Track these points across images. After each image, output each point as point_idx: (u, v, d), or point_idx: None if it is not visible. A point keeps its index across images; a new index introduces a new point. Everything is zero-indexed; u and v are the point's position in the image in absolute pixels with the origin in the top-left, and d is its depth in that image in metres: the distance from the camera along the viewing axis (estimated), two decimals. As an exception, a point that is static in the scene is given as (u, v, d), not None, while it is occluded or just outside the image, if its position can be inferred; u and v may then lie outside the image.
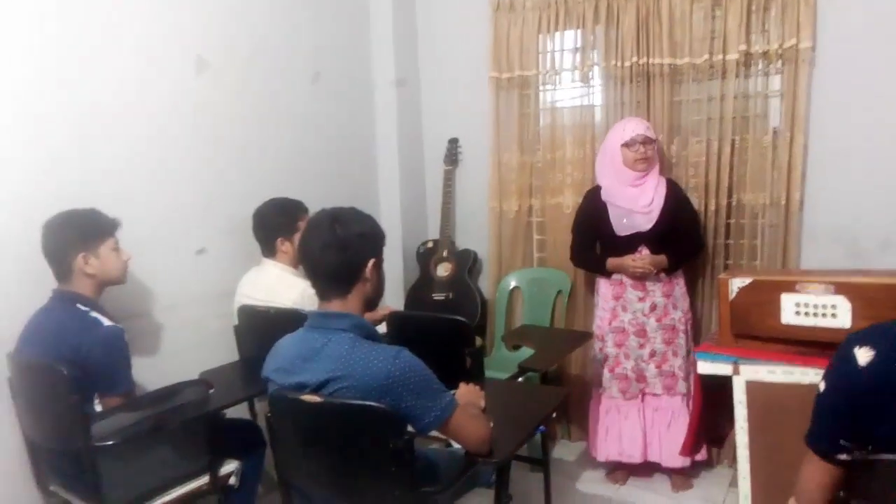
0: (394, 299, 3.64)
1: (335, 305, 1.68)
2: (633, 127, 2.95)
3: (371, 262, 1.69)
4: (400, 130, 3.73)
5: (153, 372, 2.35)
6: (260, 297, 2.59)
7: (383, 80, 3.70)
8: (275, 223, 2.67)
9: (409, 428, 1.60)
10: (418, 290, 3.66)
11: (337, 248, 1.64)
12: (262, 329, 2.45)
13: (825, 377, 1.34)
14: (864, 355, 1.24)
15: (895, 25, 2.75)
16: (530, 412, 2.05)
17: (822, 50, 2.88)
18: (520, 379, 2.58)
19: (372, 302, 1.75)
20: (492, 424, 1.75)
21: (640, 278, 2.96)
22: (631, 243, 2.98)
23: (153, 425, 1.93)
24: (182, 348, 2.64)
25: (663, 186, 2.97)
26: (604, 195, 3.04)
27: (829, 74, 2.88)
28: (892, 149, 2.80)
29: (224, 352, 2.64)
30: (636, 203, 2.94)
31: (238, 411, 2.48)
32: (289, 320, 2.26)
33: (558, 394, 2.24)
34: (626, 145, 2.94)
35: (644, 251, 2.96)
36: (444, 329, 2.34)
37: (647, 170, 2.95)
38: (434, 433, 1.68)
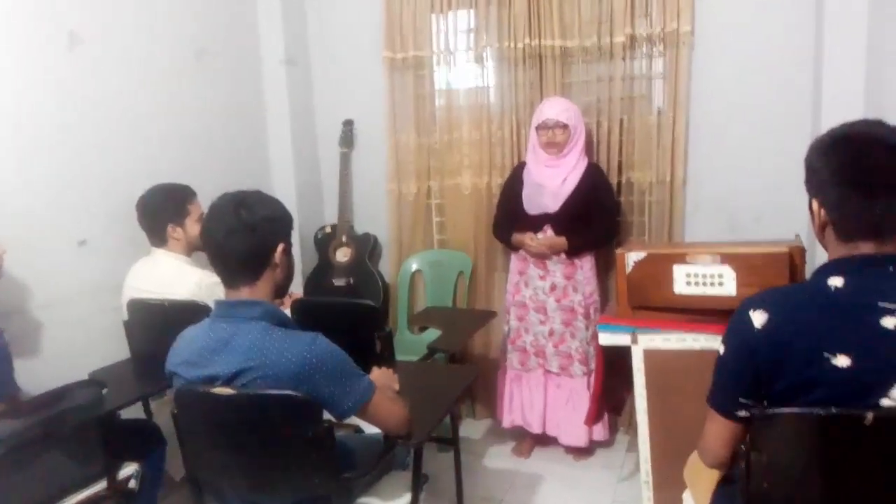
0: (292, 287, 3.53)
1: (244, 293, 1.61)
2: (548, 110, 2.98)
3: (280, 247, 1.63)
4: (292, 111, 3.62)
5: (38, 374, 2.17)
6: (152, 289, 2.45)
7: (272, 58, 3.58)
8: (162, 209, 2.52)
9: (327, 415, 1.57)
10: (318, 277, 3.59)
11: (243, 233, 1.57)
12: (156, 323, 2.32)
13: (724, 340, 1.42)
14: (758, 318, 1.33)
15: (766, 11, 2.95)
16: (443, 392, 2.07)
17: (701, 34, 3.05)
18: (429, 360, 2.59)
19: (282, 288, 1.70)
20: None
21: (540, 257, 3.03)
22: (538, 222, 3.04)
23: (42, 431, 1.78)
24: (68, 347, 2.45)
25: (581, 169, 3.02)
26: (524, 173, 3.09)
27: (707, 57, 3.05)
28: (763, 128, 3.02)
29: (114, 349, 2.48)
30: (547, 183, 2.99)
31: (133, 411, 2.34)
32: (186, 313, 2.16)
33: (469, 372, 2.26)
34: (538, 128, 2.99)
35: (548, 232, 3.03)
36: (352, 314, 2.31)
37: (557, 154, 2.99)
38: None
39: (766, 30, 2.97)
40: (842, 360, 1.22)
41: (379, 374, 1.95)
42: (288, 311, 2.36)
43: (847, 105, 2.63)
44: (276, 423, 1.52)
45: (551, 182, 3.00)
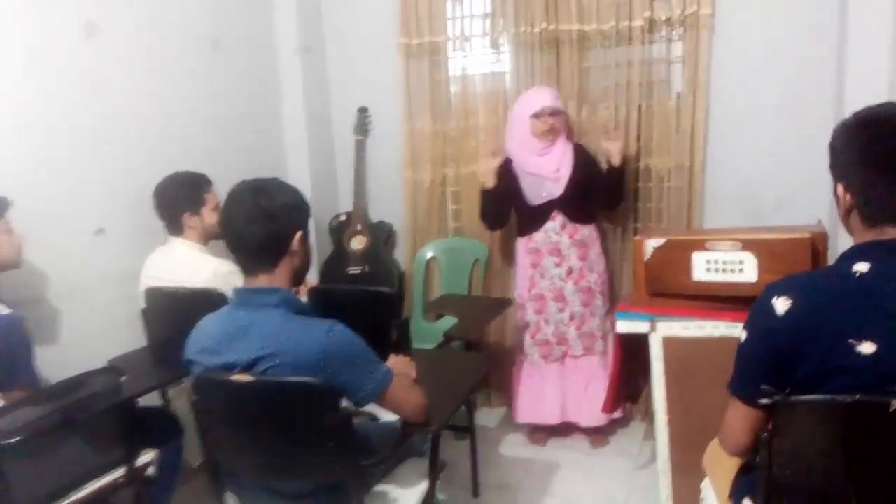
0: (308, 275, 3.54)
1: (262, 280, 1.61)
2: (543, 98, 2.97)
3: (298, 235, 1.63)
4: (306, 100, 3.60)
5: (57, 362, 2.18)
6: (169, 277, 2.46)
7: (287, 47, 3.56)
8: (179, 198, 2.52)
9: (345, 402, 1.57)
10: (333, 265, 3.59)
11: (262, 220, 1.57)
12: (173, 312, 2.32)
13: (746, 327, 1.40)
14: (781, 304, 1.31)
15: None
16: (460, 380, 2.06)
17: (721, 16, 2.99)
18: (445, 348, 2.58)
19: (300, 276, 1.70)
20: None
21: (556, 243, 3.01)
22: (545, 211, 3.02)
23: (62, 418, 1.79)
24: (86, 335, 2.47)
25: (570, 152, 3.03)
26: (515, 167, 3.07)
27: (727, 40, 3.00)
28: (785, 112, 2.96)
29: (131, 338, 2.49)
30: (545, 170, 2.99)
31: (150, 399, 2.35)
32: (202, 301, 2.17)
33: (485, 361, 2.25)
34: (535, 116, 2.97)
35: (558, 218, 3.02)
36: (369, 302, 2.30)
37: (553, 139, 2.99)
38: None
39: (788, 10, 2.91)
40: (866, 347, 1.20)
41: (396, 362, 1.94)
42: (304, 299, 2.37)
43: (872, 88, 2.57)
44: (295, 410, 1.52)
45: (547, 168, 2.99)
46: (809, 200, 2.93)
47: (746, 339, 1.39)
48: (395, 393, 1.62)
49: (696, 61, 3.03)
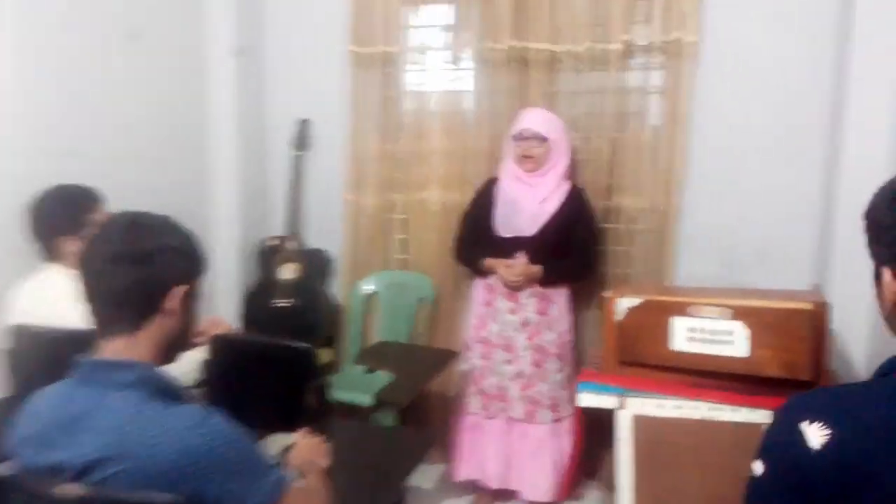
0: (228, 306, 3.11)
1: (118, 346, 1.19)
2: (527, 120, 2.64)
3: (179, 290, 1.21)
4: (238, 106, 3.17)
5: None
6: (41, 313, 2.00)
7: (220, 46, 3.13)
8: (55, 217, 2.06)
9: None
10: (258, 296, 3.15)
11: (130, 261, 1.16)
12: (43, 357, 1.87)
13: (762, 457, 1.04)
14: (817, 435, 0.95)
15: (782, 23, 2.61)
16: (392, 465, 1.67)
17: (707, 45, 2.69)
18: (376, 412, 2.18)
19: (175, 345, 1.28)
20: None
21: (512, 288, 2.65)
22: (510, 246, 2.67)
23: None
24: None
25: (564, 192, 2.67)
26: (495, 188, 2.73)
27: (712, 72, 2.70)
28: (771, 154, 2.68)
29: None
30: (522, 202, 2.64)
31: None
32: (81, 345, 1.73)
33: (425, 439, 1.85)
34: (514, 138, 2.63)
35: (522, 259, 2.65)
36: (283, 357, 1.88)
37: (534, 170, 2.64)
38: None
39: (781, 41, 2.62)
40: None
41: (304, 446, 1.55)
42: (199, 354, 1.93)
43: (871, 130, 2.31)
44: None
45: (527, 201, 2.65)
46: (794, 254, 2.68)
47: (764, 476, 1.02)
48: (290, 509, 1.20)
49: (676, 93, 2.73)
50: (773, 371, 1.80)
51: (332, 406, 1.85)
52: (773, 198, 2.69)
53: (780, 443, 1.00)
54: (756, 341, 1.82)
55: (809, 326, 1.76)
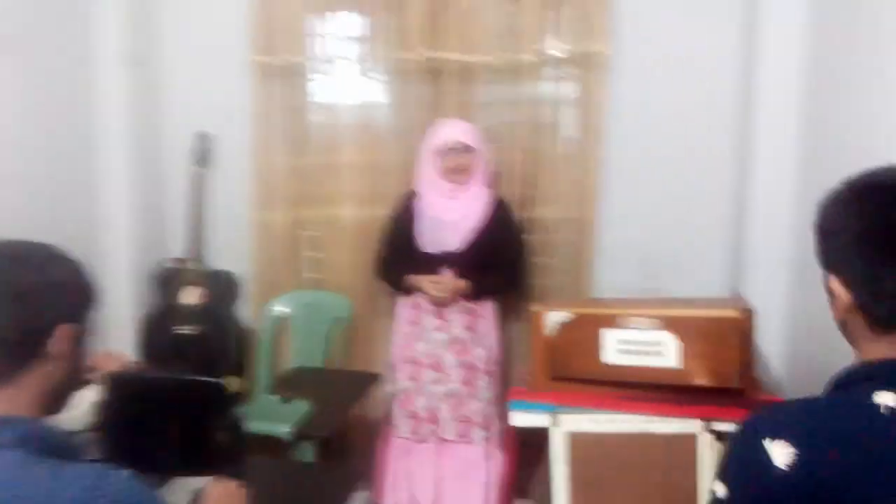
0: (124, 337, 2.85)
1: (-7, 398, 1.00)
2: (449, 132, 2.55)
3: (64, 330, 1.04)
4: (132, 121, 2.93)
5: None
6: None
7: (109, 55, 2.88)
8: None
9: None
10: (158, 323, 2.91)
11: (6, 300, 0.99)
12: None
13: (724, 478, 0.98)
14: (781, 453, 0.90)
15: (694, 34, 2.66)
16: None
17: (619, 57, 2.70)
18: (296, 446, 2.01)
19: (62, 394, 1.10)
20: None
21: (440, 305, 2.55)
22: (435, 263, 2.58)
23: None
24: None
25: (486, 202, 2.60)
26: (417, 205, 2.62)
27: (625, 83, 2.71)
28: (685, 165, 2.72)
29: None
30: (447, 216, 2.56)
31: None
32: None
33: (350, 478, 1.71)
34: (438, 153, 2.53)
35: (447, 273, 2.56)
36: (189, 393, 1.70)
37: (464, 182, 2.56)
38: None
39: (692, 54, 2.66)
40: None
41: (217, 495, 1.39)
42: (92, 394, 1.72)
43: (780, 141, 2.37)
44: None
45: (453, 215, 2.57)
46: (709, 263, 2.72)
47: (727, 499, 0.96)
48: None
49: (590, 103, 2.74)
50: (702, 380, 1.79)
51: (245, 445, 1.67)
52: (688, 205, 2.73)
53: (743, 463, 0.94)
54: (685, 351, 1.80)
55: (737, 334, 1.76)
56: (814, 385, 1.22)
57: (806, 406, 0.97)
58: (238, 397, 2.84)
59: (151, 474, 1.73)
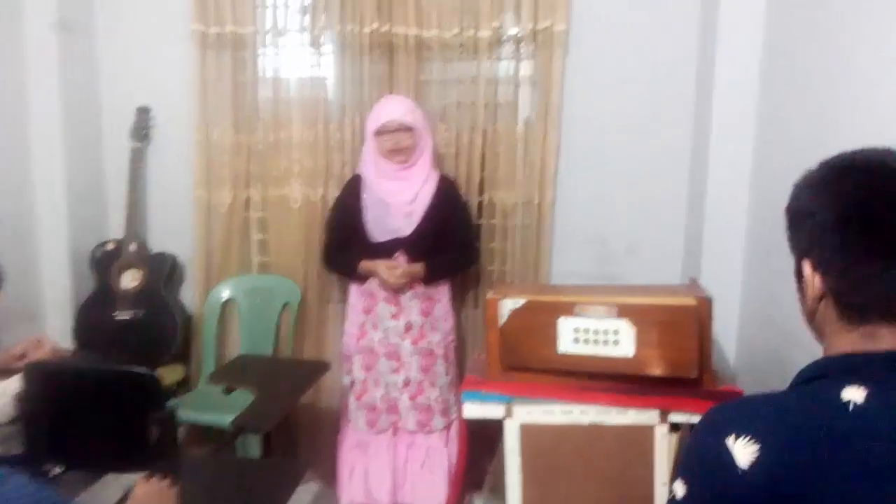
0: (58, 322, 2.70)
1: None
2: (388, 111, 2.44)
3: None
4: (64, 93, 2.74)
5: None
6: None
7: (39, 19, 2.69)
8: None
9: None
10: (94, 308, 2.76)
11: None
12: None
13: (684, 476, 0.92)
14: (744, 452, 0.84)
15: (651, 12, 2.60)
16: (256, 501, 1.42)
17: (576, 35, 2.63)
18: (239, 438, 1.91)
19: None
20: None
21: (395, 291, 2.47)
22: (387, 249, 2.49)
23: None
24: None
25: (433, 183, 2.51)
26: (363, 189, 2.52)
27: (582, 62, 2.66)
28: (642, 147, 2.68)
29: None
30: (395, 200, 2.46)
31: None
32: None
33: (295, 474, 1.62)
34: (378, 133, 2.43)
35: (401, 259, 2.47)
36: (116, 385, 1.59)
37: (407, 161, 2.46)
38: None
39: (649, 33, 2.61)
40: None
41: (145, 493, 1.29)
42: (13, 385, 1.59)
43: (737, 125, 2.33)
44: None
45: (399, 198, 2.47)
46: (664, 246, 2.69)
47: (687, 499, 0.90)
48: None
49: (547, 84, 2.66)
50: (659, 370, 1.74)
51: (178, 440, 1.56)
52: (643, 191, 2.69)
53: (703, 461, 0.89)
54: (641, 340, 1.75)
55: (693, 322, 1.72)
56: (766, 374, 1.17)
57: (770, 401, 0.92)
58: (177, 386, 2.71)
59: (79, 470, 1.62)
